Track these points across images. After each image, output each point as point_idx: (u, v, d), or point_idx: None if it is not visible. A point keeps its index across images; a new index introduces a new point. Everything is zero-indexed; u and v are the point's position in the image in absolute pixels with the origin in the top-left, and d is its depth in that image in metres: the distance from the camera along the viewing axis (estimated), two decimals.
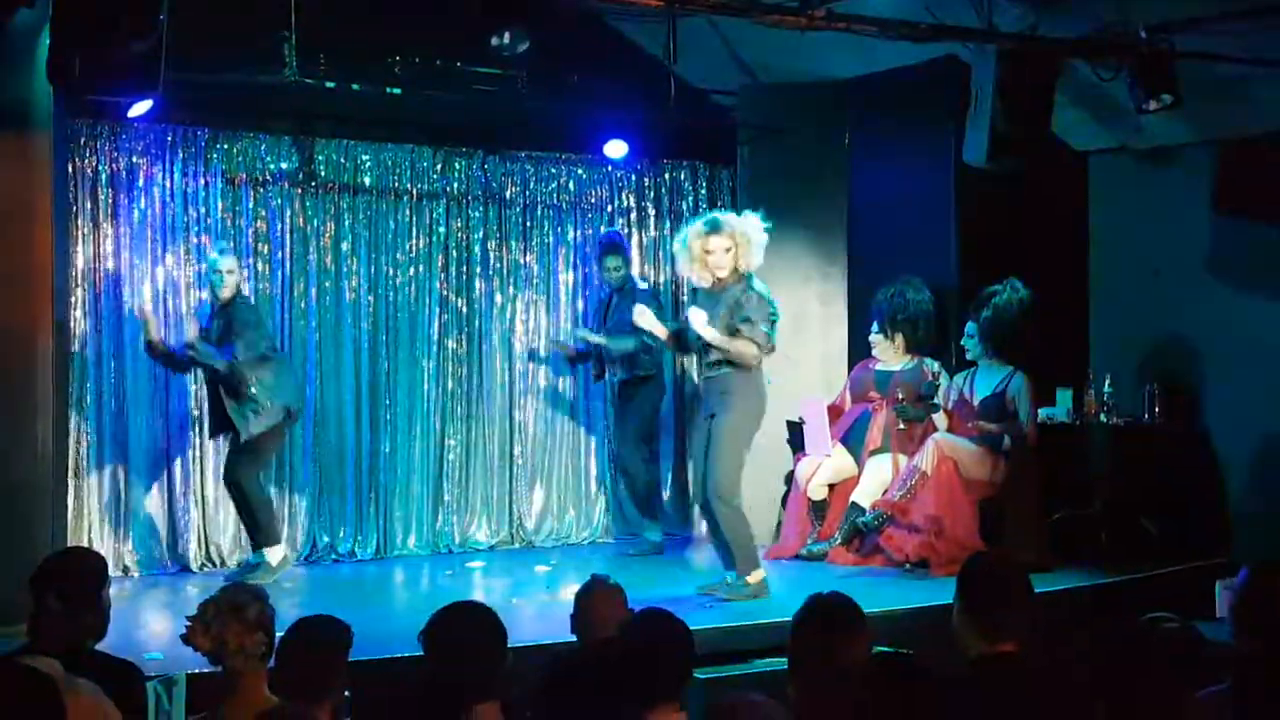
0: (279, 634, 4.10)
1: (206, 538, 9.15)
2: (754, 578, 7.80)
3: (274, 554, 8.58)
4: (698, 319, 7.69)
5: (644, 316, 8.04)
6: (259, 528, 8.61)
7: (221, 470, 8.82)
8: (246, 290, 8.89)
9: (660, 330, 8.07)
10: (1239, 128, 9.02)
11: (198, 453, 9.15)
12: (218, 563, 9.12)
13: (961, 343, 9.22)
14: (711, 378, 7.86)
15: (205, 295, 8.84)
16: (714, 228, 7.82)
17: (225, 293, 8.51)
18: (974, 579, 4.19)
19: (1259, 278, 9.21)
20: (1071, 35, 8.05)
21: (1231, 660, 4.12)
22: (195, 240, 9.19)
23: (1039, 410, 9.14)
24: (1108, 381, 9.41)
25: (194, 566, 9.04)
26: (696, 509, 9.67)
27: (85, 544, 8.69)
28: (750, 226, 7.86)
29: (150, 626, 7.55)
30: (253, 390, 8.40)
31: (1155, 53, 7.90)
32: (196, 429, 9.13)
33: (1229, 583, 6.99)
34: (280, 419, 8.56)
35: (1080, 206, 10.18)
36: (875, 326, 9.49)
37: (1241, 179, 9.23)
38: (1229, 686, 3.94)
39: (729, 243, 7.76)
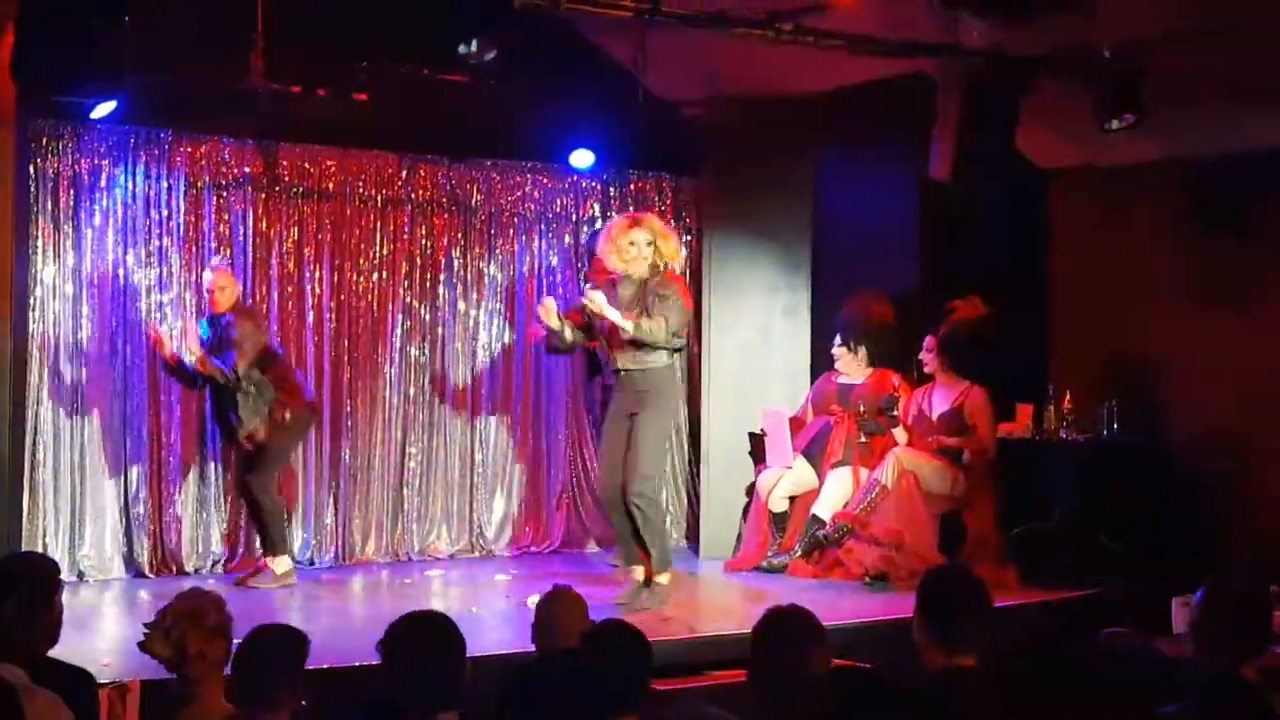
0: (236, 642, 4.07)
1: (162, 543, 9.08)
2: (668, 579, 7.91)
3: (279, 564, 8.61)
4: (599, 301, 7.73)
5: (595, 301, 7.90)
6: (267, 537, 8.69)
7: (231, 477, 9.02)
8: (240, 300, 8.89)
9: (610, 315, 7.87)
10: (1202, 147, 9.07)
11: (156, 457, 9.09)
12: (173, 568, 9.06)
13: (919, 356, 9.25)
14: (628, 374, 7.89)
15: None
16: (636, 221, 7.97)
17: (219, 309, 8.59)
18: (934, 592, 4.20)
19: (1220, 296, 9.26)
20: (1037, 53, 8.09)
21: (1193, 677, 4.14)
22: (157, 243, 9.13)
23: (998, 426, 9.18)
24: (1068, 397, 9.45)
25: (148, 572, 8.97)
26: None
27: (40, 548, 8.64)
28: (667, 227, 8.12)
29: (104, 632, 7.48)
30: (252, 400, 8.50)
31: (1120, 71, 7.96)
32: (154, 434, 9.08)
33: (1186, 599, 7.04)
34: (289, 425, 8.69)
35: (1044, 223, 10.22)
36: (839, 339, 9.51)
37: (1205, 198, 9.29)
38: (1192, 704, 3.96)
39: (650, 236, 7.85)
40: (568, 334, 8.04)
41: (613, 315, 7.71)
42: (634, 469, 7.80)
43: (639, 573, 7.96)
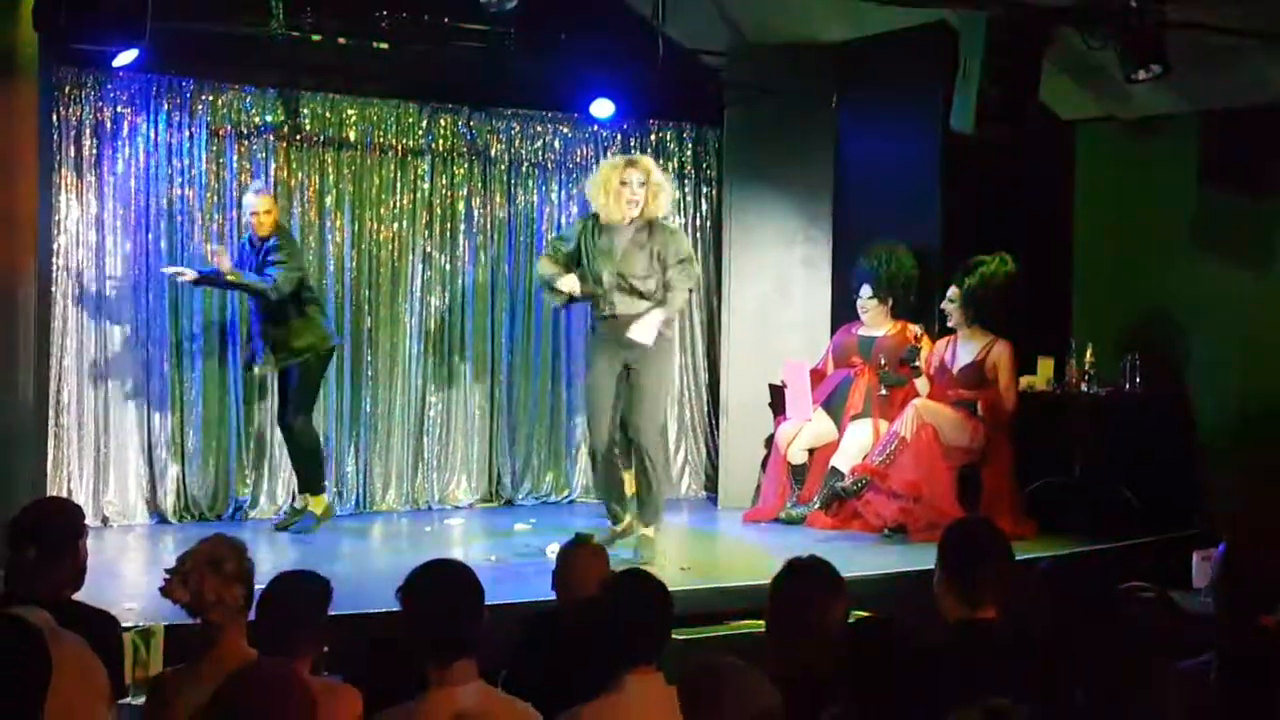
0: (259, 588, 4.10)
1: (186, 489, 9.13)
2: (654, 533, 8.00)
3: (318, 503, 8.68)
4: (646, 331, 7.66)
5: (569, 282, 7.89)
6: (306, 477, 8.77)
7: (274, 416, 9.06)
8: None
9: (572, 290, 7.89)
10: (1226, 99, 9.02)
11: (178, 404, 9.13)
12: (195, 514, 9.12)
13: (941, 306, 9.21)
14: (624, 319, 7.82)
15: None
16: (632, 162, 7.96)
17: (263, 231, 8.58)
18: (955, 545, 4.21)
19: (1242, 249, 9.23)
20: (1061, 4, 8.03)
21: (1214, 632, 4.15)
22: (180, 191, 9.15)
23: (1020, 379, 9.16)
24: (1089, 351, 9.43)
25: (172, 518, 9.03)
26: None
27: (64, 494, 8.69)
28: (661, 171, 8.08)
29: (128, 577, 7.53)
30: (294, 322, 8.56)
31: (1145, 22, 7.87)
32: (177, 380, 9.12)
33: (1206, 553, 7.06)
34: (321, 353, 8.72)
35: (1066, 175, 10.18)
36: (869, 290, 9.46)
37: (1227, 150, 9.25)
38: (1210, 658, 3.96)
39: (644, 177, 7.83)
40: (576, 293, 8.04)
41: (651, 333, 7.69)
42: (647, 419, 7.81)
43: (624, 522, 8.08)
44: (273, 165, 9.44)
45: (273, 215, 8.63)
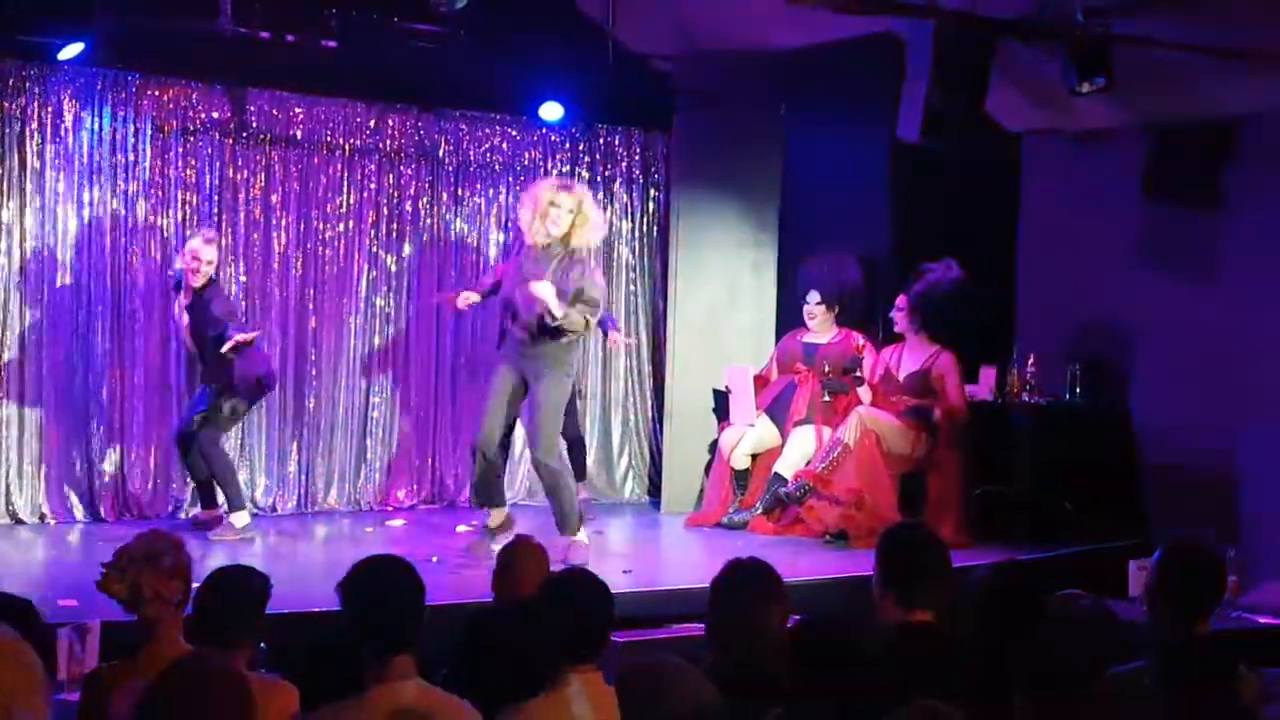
0: (197, 584, 4.07)
1: (125, 487, 9.06)
2: (586, 536, 7.99)
3: (240, 518, 8.55)
4: (547, 291, 7.59)
5: (545, 293, 7.69)
6: (227, 494, 8.63)
7: (176, 430, 8.86)
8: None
9: (553, 306, 7.69)
10: (1171, 113, 9.11)
11: (118, 401, 9.06)
12: (135, 513, 9.04)
13: (890, 314, 9.24)
14: (533, 341, 7.78)
15: (172, 271, 8.86)
16: (566, 186, 7.91)
17: (200, 281, 8.44)
18: (892, 549, 4.23)
19: (1185, 262, 9.31)
20: (1009, 15, 8.09)
21: (1145, 636, 4.19)
22: (123, 187, 9.07)
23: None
24: (1031, 360, 9.50)
25: (109, 516, 8.95)
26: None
27: (3, 489, 8.63)
28: (596, 208, 7.98)
29: (64, 574, 7.46)
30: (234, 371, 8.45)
31: (1091, 35, 7.95)
32: (117, 377, 9.05)
33: (1143, 562, 7.12)
34: (254, 394, 8.66)
35: (1011, 186, 10.25)
36: (816, 296, 9.48)
37: (1171, 164, 9.33)
38: (1144, 662, 4.01)
39: (574, 205, 7.76)
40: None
41: (554, 306, 7.59)
42: (540, 433, 7.79)
43: (496, 518, 8.05)
44: (218, 162, 9.39)
45: (213, 265, 8.52)
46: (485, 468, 7.97)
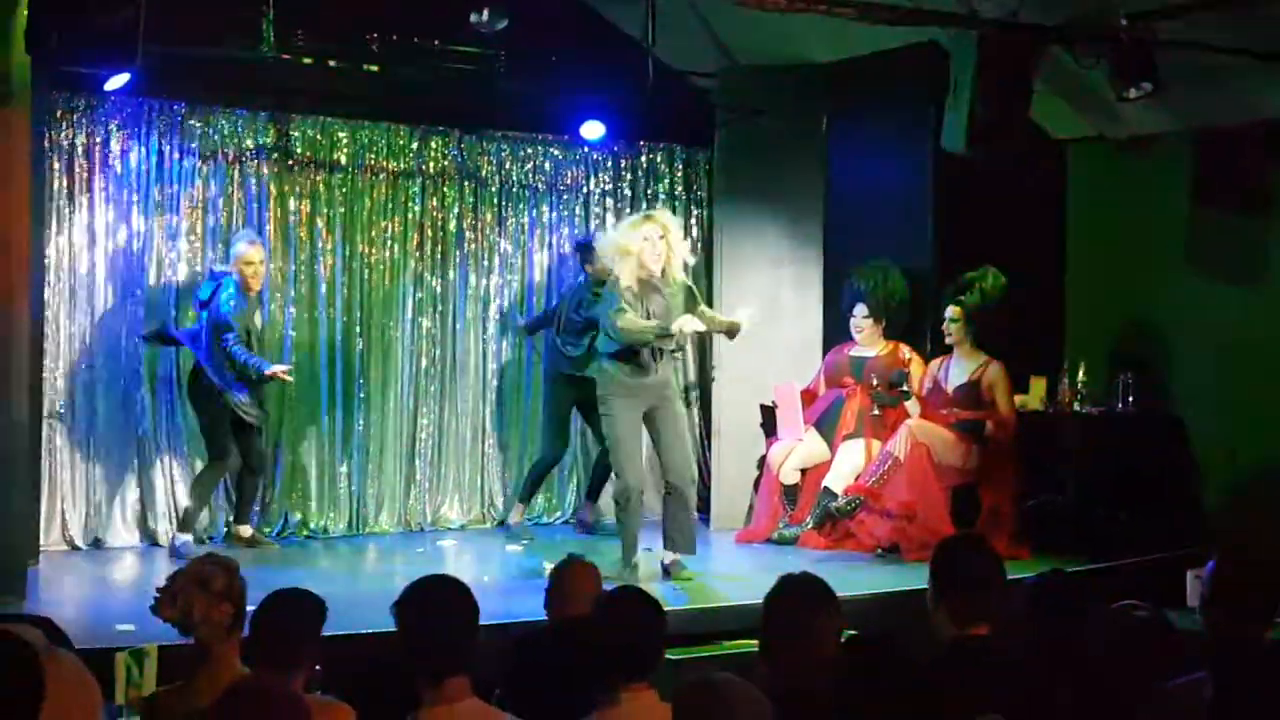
0: (254, 607, 4.09)
1: (175, 512, 9.09)
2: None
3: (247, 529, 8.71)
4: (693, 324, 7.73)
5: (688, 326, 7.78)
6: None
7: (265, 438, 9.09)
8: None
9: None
10: (1217, 117, 9.05)
11: (167, 426, 9.11)
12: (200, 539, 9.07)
13: (943, 326, 9.18)
14: (664, 368, 7.85)
15: (209, 275, 8.96)
16: (648, 216, 7.88)
17: (259, 284, 8.71)
18: (947, 562, 4.20)
19: (1234, 267, 9.25)
20: (1052, 22, 8.05)
21: (1202, 648, 4.14)
22: (170, 215, 9.16)
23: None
24: (1082, 370, 9.44)
25: (163, 540, 8.99)
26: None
27: (58, 518, 8.70)
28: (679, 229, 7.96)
29: (121, 599, 7.52)
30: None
31: (1136, 41, 7.90)
32: (166, 403, 9.10)
33: (1199, 572, 7.04)
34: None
35: (1058, 194, 10.20)
36: (863, 309, 9.45)
37: (1218, 168, 9.27)
38: (1202, 674, 3.96)
39: (662, 231, 7.75)
40: None
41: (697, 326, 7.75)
42: (689, 455, 8.06)
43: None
44: (264, 188, 9.45)
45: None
46: (684, 506, 7.97)
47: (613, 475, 8.00)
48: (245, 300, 8.59)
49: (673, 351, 7.91)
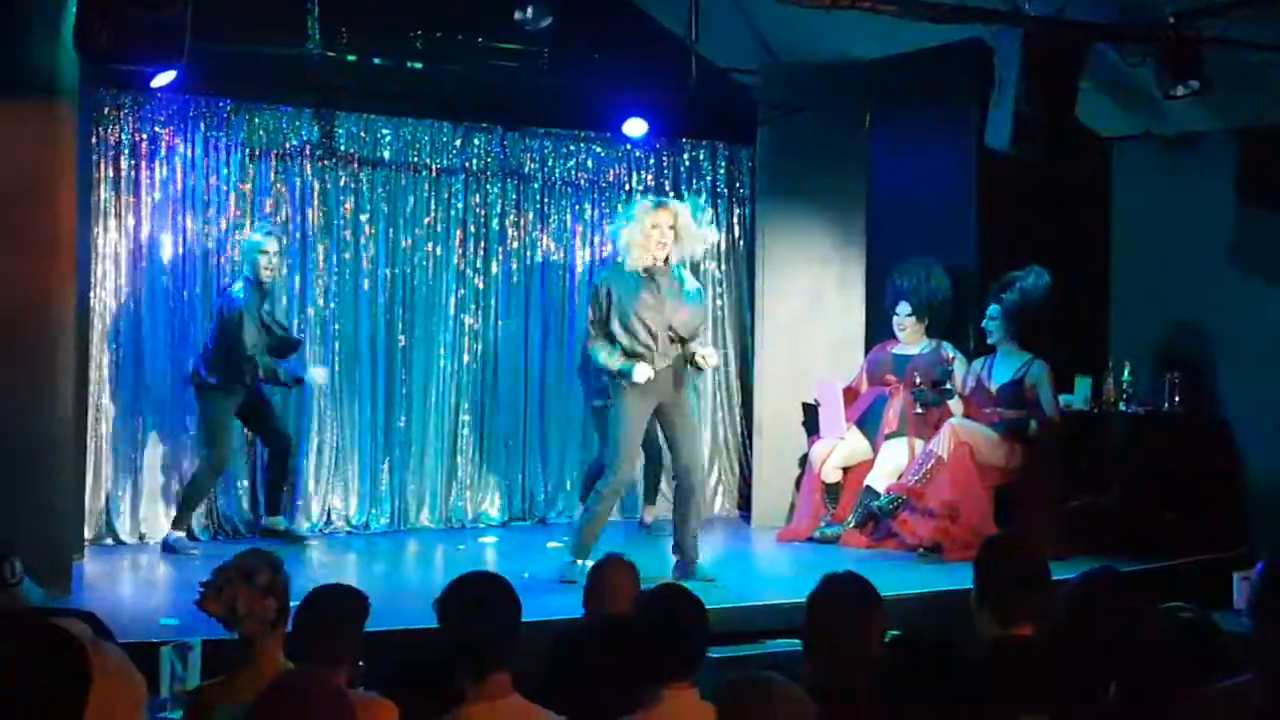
0: (297, 602, 4.10)
1: (217, 507, 9.15)
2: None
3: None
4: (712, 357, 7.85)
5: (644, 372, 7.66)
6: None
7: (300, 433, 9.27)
8: None
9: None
10: (1265, 115, 8.97)
11: None
12: (229, 531, 9.13)
13: (984, 325, 9.15)
14: (679, 366, 7.82)
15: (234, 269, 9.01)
16: (661, 204, 7.84)
17: (274, 273, 8.73)
18: (990, 561, 4.19)
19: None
20: (1098, 19, 8.00)
21: (1253, 650, 4.10)
22: (215, 211, 9.21)
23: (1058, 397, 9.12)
24: (1127, 369, 9.38)
25: (203, 536, 9.04)
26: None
27: (101, 513, 8.74)
28: (691, 220, 7.86)
29: (165, 594, 7.57)
30: None
31: (1182, 38, 7.84)
32: None
33: (1247, 574, 6.98)
34: None
35: (1103, 193, 10.14)
36: (907, 307, 9.42)
37: (1266, 167, 9.18)
38: (1250, 677, 3.92)
39: (672, 220, 7.71)
40: None
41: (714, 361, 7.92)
42: (697, 453, 8.02)
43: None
44: (308, 184, 9.50)
45: None
46: (698, 504, 7.98)
47: (605, 468, 7.90)
48: (256, 291, 8.62)
49: (686, 350, 7.81)
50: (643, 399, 7.69)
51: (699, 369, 7.86)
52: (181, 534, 8.64)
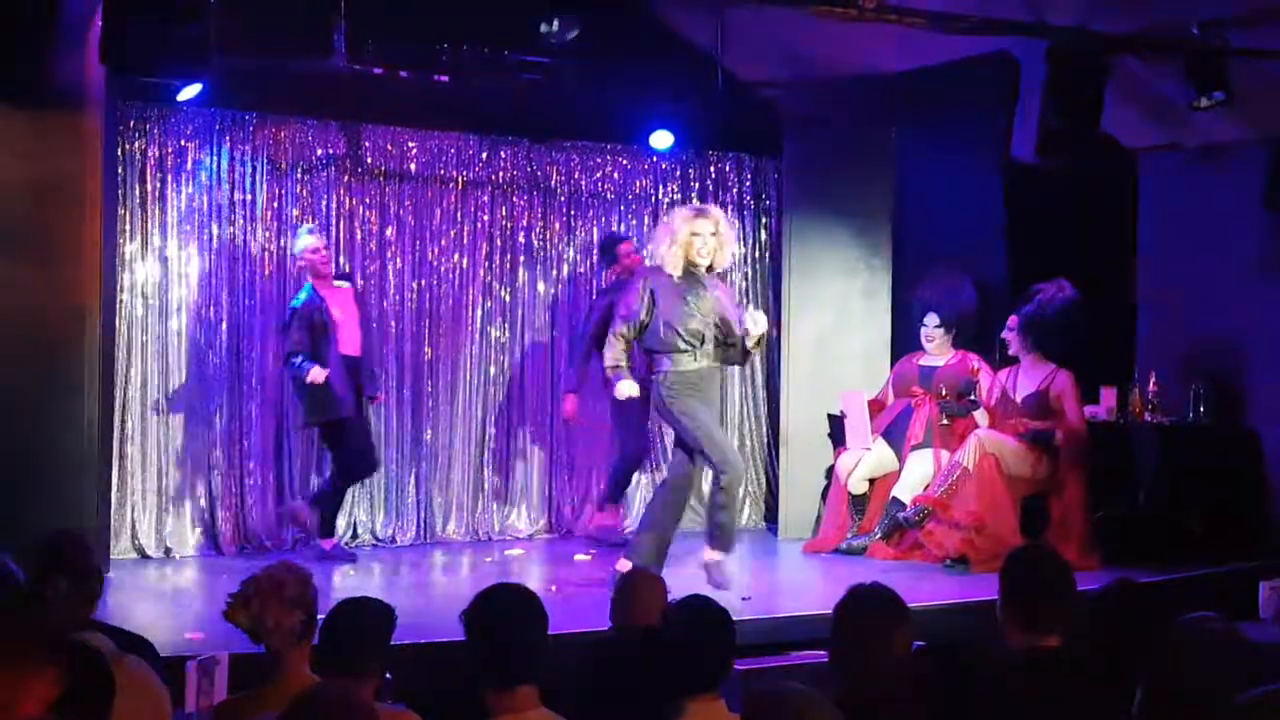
0: (324, 614, 4.11)
1: (245, 521, 9.17)
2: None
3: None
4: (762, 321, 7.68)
5: (629, 389, 7.80)
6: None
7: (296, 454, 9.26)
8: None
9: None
10: None
11: (237, 434, 9.20)
12: (255, 545, 9.15)
13: (1001, 335, 9.15)
14: (716, 368, 7.83)
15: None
16: (702, 212, 7.80)
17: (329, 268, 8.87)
18: (1017, 572, 4.18)
19: None
20: (1123, 31, 7.99)
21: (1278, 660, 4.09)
22: (242, 223, 9.24)
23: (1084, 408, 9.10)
24: (1153, 380, 9.35)
25: (230, 549, 9.06)
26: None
27: (128, 526, 8.78)
28: (728, 225, 7.88)
29: (192, 607, 7.59)
30: None
31: (1208, 49, 7.83)
32: (236, 414, 9.19)
33: (1274, 583, 6.96)
34: None
35: (1129, 204, 10.11)
36: (935, 319, 9.42)
37: None
38: (1276, 687, 3.90)
39: (714, 227, 7.69)
40: None
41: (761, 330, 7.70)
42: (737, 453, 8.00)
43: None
44: (334, 198, 9.53)
45: None
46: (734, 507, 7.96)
47: (716, 470, 7.79)
48: (319, 294, 8.65)
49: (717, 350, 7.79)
50: (695, 396, 7.66)
51: (757, 343, 7.73)
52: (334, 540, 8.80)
